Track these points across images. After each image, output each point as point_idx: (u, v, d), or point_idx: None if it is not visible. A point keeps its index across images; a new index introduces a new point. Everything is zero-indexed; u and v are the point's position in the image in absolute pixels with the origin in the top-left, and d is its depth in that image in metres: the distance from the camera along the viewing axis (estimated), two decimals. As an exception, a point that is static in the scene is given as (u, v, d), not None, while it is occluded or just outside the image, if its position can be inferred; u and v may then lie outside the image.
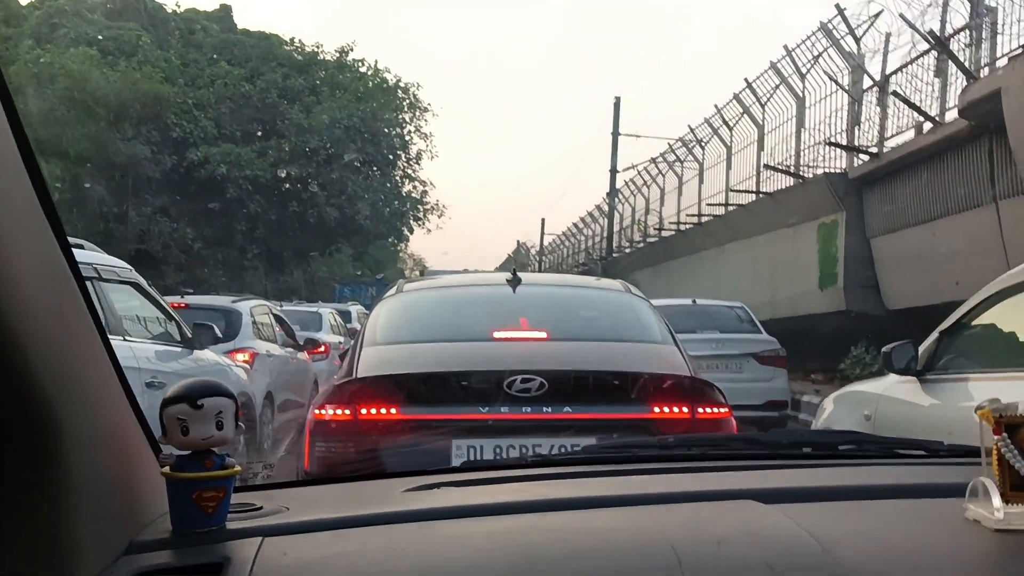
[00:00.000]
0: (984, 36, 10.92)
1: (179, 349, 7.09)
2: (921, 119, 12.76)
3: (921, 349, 4.42)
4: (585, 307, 5.08)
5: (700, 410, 3.72)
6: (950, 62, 11.75)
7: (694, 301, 11.26)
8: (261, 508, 1.40)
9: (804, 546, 1.18)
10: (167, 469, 1.27)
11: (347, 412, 3.64)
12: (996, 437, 1.22)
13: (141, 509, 1.30)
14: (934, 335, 4.47)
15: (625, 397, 3.75)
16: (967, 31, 11.27)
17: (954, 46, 11.55)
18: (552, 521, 1.34)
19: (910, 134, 13.07)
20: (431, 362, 4.04)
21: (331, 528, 1.32)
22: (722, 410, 3.78)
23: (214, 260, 35.18)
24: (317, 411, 3.71)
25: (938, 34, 11.34)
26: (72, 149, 27.03)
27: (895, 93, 12.63)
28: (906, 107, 13.01)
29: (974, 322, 4.29)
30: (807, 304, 16.11)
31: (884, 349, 4.54)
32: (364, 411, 3.62)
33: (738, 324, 11.31)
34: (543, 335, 4.32)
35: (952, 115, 11.96)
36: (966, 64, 10.92)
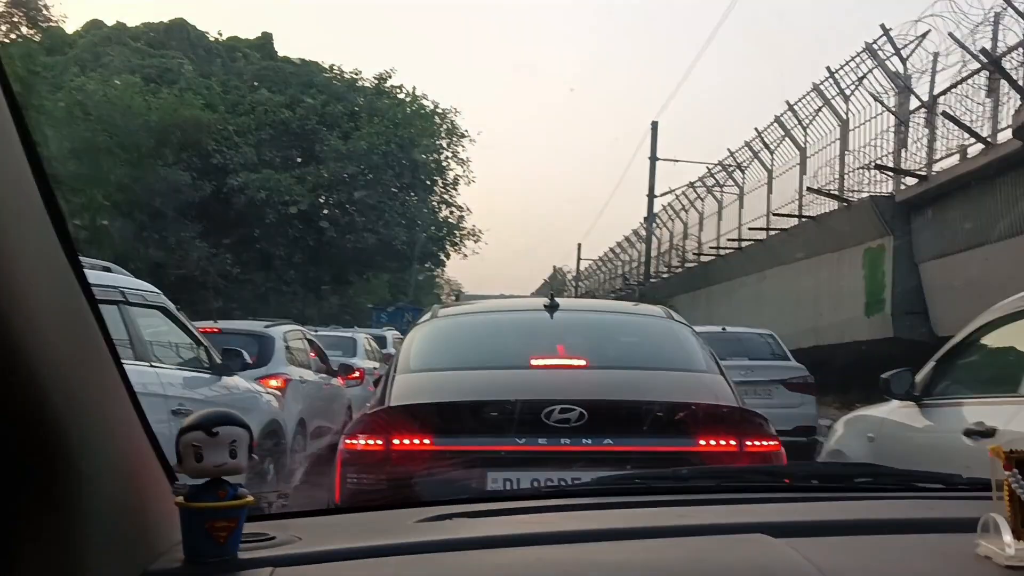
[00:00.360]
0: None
1: (208, 375, 6.92)
2: (971, 141, 12.35)
3: (920, 375, 4.71)
4: (625, 333, 4.95)
5: (748, 443, 3.57)
6: (1003, 81, 11.37)
7: (724, 328, 11.26)
8: (274, 538, 1.40)
9: None
10: (181, 498, 1.28)
11: (379, 442, 3.53)
12: (1007, 473, 1.21)
13: (154, 538, 1.31)
14: (931, 362, 4.76)
15: (669, 429, 3.61)
16: (1020, 49, 10.88)
17: (1007, 65, 11.16)
18: (561, 554, 1.35)
19: (955, 159, 12.66)
20: (466, 390, 3.92)
21: (341, 559, 1.33)
22: (771, 443, 3.62)
23: (253, 285, 35.27)
24: (348, 441, 3.60)
25: (991, 52, 10.96)
26: (113, 176, 27.30)
27: (945, 113, 12.25)
28: (955, 129, 12.62)
29: (967, 350, 4.62)
30: (853, 331, 15.67)
31: (883, 376, 4.81)
32: (397, 441, 3.51)
33: (767, 352, 11.53)
34: (582, 363, 4.18)
35: (1005, 136, 11.56)
36: (1020, 83, 10.52)
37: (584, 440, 3.46)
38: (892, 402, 4.94)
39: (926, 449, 4.47)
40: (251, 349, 8.75)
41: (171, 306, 6.93)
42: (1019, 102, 10.74)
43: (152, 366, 5.95)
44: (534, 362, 4.15)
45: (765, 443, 3.61)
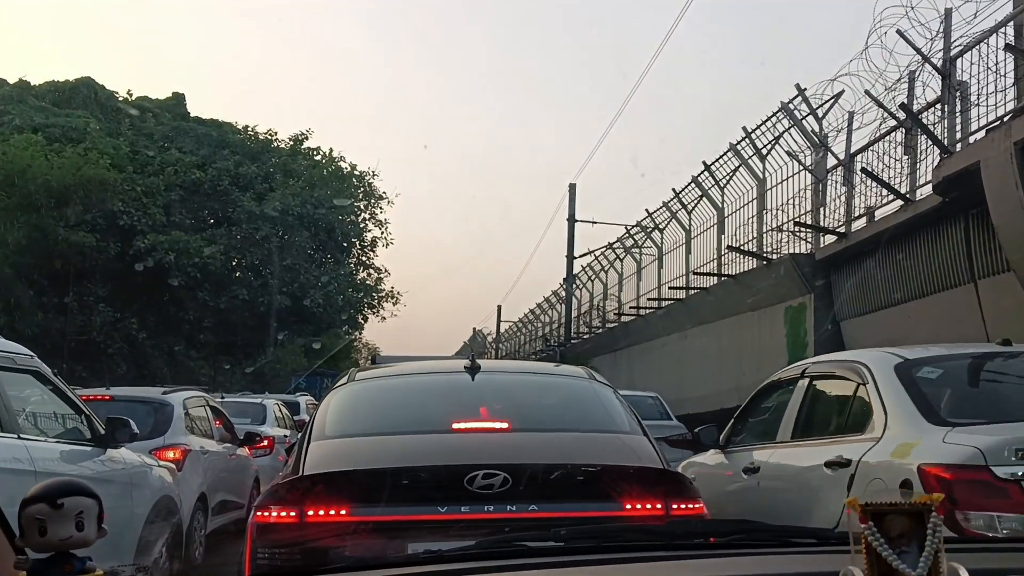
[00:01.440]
0: (957, 110, 10.62)
1: (89, 448, 6.22)
2: (889, 198, 12.41)
3: (724, 430, 6.21)
4: (548, 395, 4.89)
5: (674, 506, 3.53)
6: (920, 138, 11.47)
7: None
8: None
9: None
10: (23, 574, 1.22)
11: (292, 514, 3.37)
12: (863, 526, 1.24)
13: None
14: (732, 419, 6.25)
15: (595, 493, 3.52)
16: (939, 105, 10.98)
17: (925, 120, 11.25)
18: None
19: (879, 212, 12.70)
20: (385, 457, 3.79)
21: None
22: (696, 505, 3.60)
23: (160, 351, 33.95)
24: (259, 512, 3.43)
25: (909, 107, 11.03)
26: (11, 237, 26.05)
27: (864, 170, 12.30)
28: (873, 186, 12.69)
29: (751, 409, 6.13)
30: (776, 390, 15.53)
31: (696, 430, 6.39)
32: (311, 512, 3.35)
33: (655, 412, 12.51)
34: (505, 425, 4.11)
35: (923, 192, 11.62)
36: (940, 138, 10.58)
37: (508, 507, 3.35)
38: (710, 451, 6.31)
39: (721, 482, 5.92)
40: (147, 418, 8.17)
41: (46, 370, 6.23)
42: (937, 158, 10.78)
43: (20, 438, 5.32)
44: (456, 426, 4.03)
45: (690, 506, 3.57)
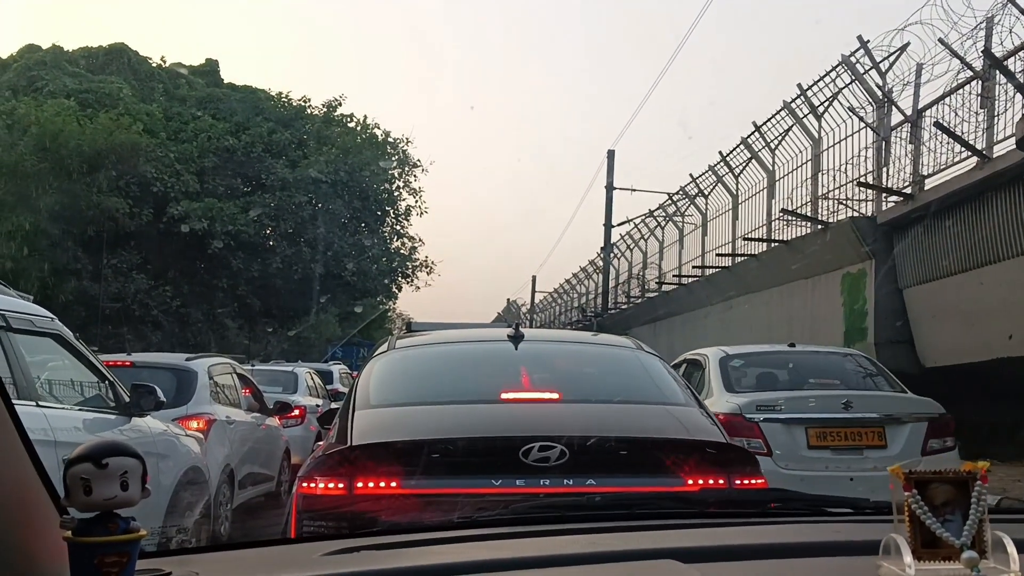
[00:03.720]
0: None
1: (112, 416, 5.87)
2: (961, 156, 11.55)
3: None
4: (596, 365, 4.76)
5: (737, 481, 3.41)
6: (1000, 89, 10.59)
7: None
8: (170, 574, 1.36)
9: None
10: (69, 533, 1.23)
11: (340, 485, 3.25)
12: (907, 494, 1.23)
13: (42, 574, 1.28)
14: None
15: (655, 467, 3.41)
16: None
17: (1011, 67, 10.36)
18: None
19: (951, 172, 11.85)
20: (435, 427, 3.65)
21: None
22: (758, 480, 3.49)
23: (194, 319, 33.74)
24: (305, 484, 3.33)
25: (991, 54, 10.15)
26: (43, 202, 25.81)
27: (937, 124, 11.42)
28: (942, 145, 11.84)
29: None
30: (831, 362, 14.77)
31: None
32: (360, 484, 3.23)
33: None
34: (555, 396, 3.96)
35: (1001, 149, 10.76)
36: (1025, 87, 9.72)
37: (565, 481, 3.24)
38: None
39: None
40: (169, 385, 7.66)
41: (67, 333, 5.87)
42: (1021, 111, 9.92)
43: (39, 406, 4.93)
44: (505, 395, 3.90)
45: (754, 481, 3.46)
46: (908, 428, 7.16)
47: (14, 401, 4.51)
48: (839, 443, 7.07)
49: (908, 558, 1.21)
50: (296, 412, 10.99)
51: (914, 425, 7.18)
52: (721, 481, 3.38)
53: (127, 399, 5.98)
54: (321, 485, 3.31)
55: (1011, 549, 1.22)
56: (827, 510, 1.98)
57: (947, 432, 7.37)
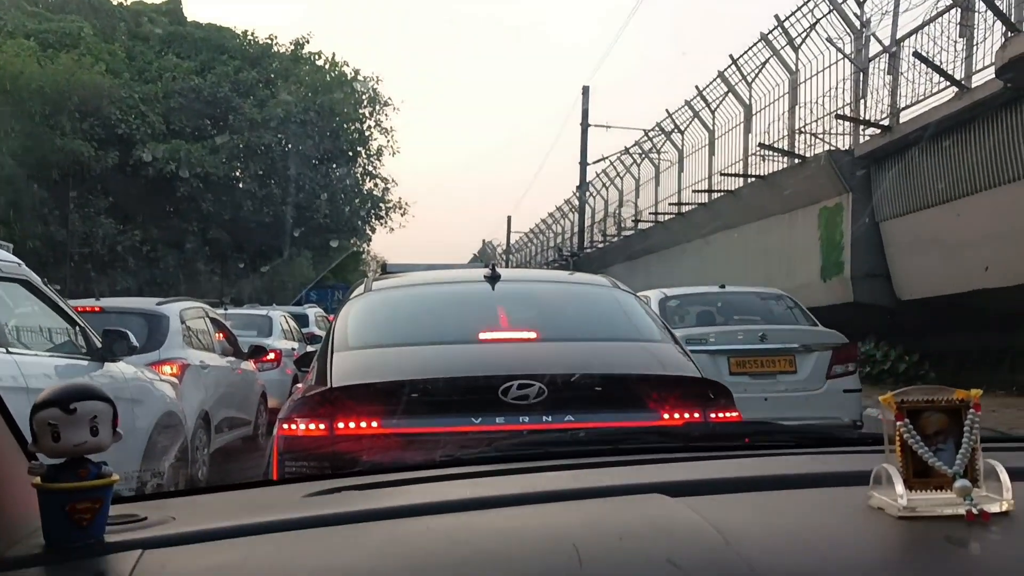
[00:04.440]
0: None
1: (84, 362, 5.75)
2: (939, 86, 11.43)
3: None
4: (572, 304, 4.76)
5: (712, 414, 3.45)
6: (977, 18, 10.44)
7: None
8: (145, 519, 1.34)
9: (707, 539, 1.18)
10: (38, 479, 1.21)
11: (321, 426, 3.29)
12: (898, 423, 1.21)
13: (10, 524, 1.26)
14: None
15: (632, 402, 3.47)
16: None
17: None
18: (453, 523, 1.32)
19: (929, 102, 11.73)
20: (414, 368, 3.68)
21: (218, 538, 1.26)
22: (733, 413, 3.52)
23: (165, 263, 33.32)
24: (286, 425, 3.34)
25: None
26: (5, 146, 25.16)
27: (916, 54, 11.27)
28: (922, 75, 11.72)
29: None
30: (808, 296, 14.68)
31: None
32: (341, 424, 3.27)
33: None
34: (533, 335, 3.99)
35: (980, 79, 10.65)
36: (1008, 14, 9.57)
37: (544, 418, 3.29)
38: None
39: None
40: (141, 330, 7.48)
41: (35, 278, 5.73)
42: (999, 40, 9.78)
43: (8, 352, 4.82)
44: (483, 336, 3.92)
45: (728, 414, 3.50)
46: (815, 356, 8.24)
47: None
48: (755, 369, 8.11)
49: (900, 487, 1.20)
50: (271, 356, 10.85)
51: (820, 353, 8.25)
52: (696, 415, 3.43)
53: (99, 345, 5.85)
54: (302, 427, 3.33)
55: (1004, 477, 1.21)
56: (811, 440, 1.97)
57: (850, 359, 8.49)
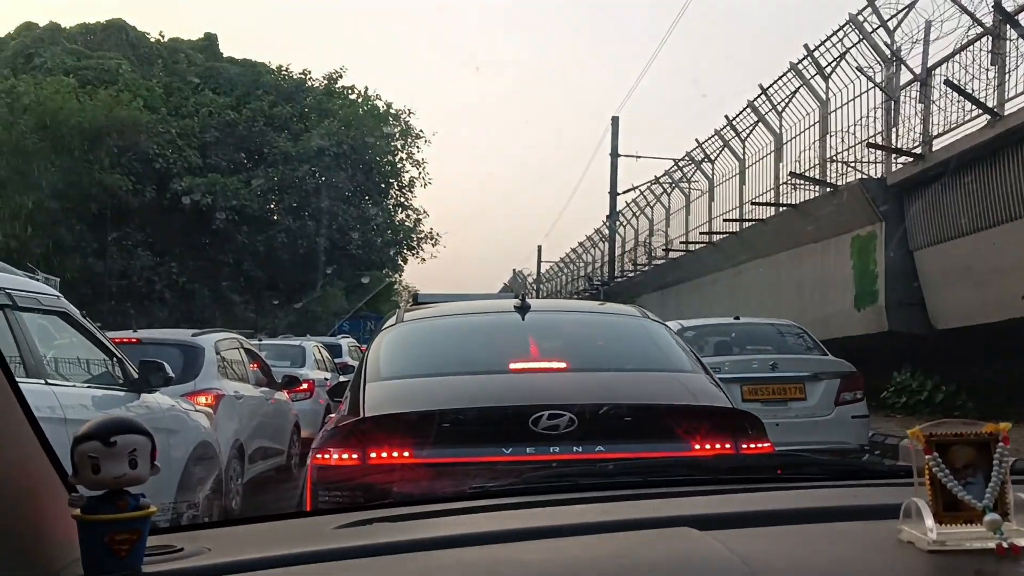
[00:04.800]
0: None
1: (121, 393, 5.83)
2: (972, 114, 11.36)
3: None
4: (602, 334, 4.77)
5: (743, 445, 3.44)
6: (1009, 46, 10.40)
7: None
8: (181, 550, 1.35)
9: (734, 572, 1.17)
10: (78, 511, 1.23)
11: (355, 456, 3.33)
12: (927, 457, 1.21)
13: (50, 554, 1.28)
14: None
15: (663, 433, 3.45)
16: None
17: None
18: (483, 555, 1.33)
19: (961, 130, 11.66)
20: (446, 398, 3.72)
21: (251, 569, 1.28)
22: (765, 445, 3.51)
23: (200, 294, 33.71)
24: (319, 455, 3.40)
25: (1001, 6, 9.95)
26: (45, 180, 25.68)
27: (948, 82, 11.23)
28: (954, 103, 11.66)
29: None
30: (841, 326, 14.65)
31: None
32: (374, 454, 3.30)
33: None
34: (563, 365, 4.01)
35: (1013, 106, 10.59)
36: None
37: (575, 448, 3.30)
38: None
39: None
40: (177, 361, 7.58)
41: (74, 311, 5.84)
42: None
43: (48, 383, 4.90)
44: (513, 366, 3.96)
45: (759, 445, 3.48)
46: (824, 384, 8.72)
47: (24, 379, 4.44)
48: (767, 396, 8.39)
49: (929, 521, 1.19)
50: (305, 386, 10.94)
51: (829, 381, 8.76)
52: (728, 446, 3.43)
53: (135, 376, 5.94)
54: (335, 456, 3.36)
55: None
56: (841, 473, 1.96)
57: (857, 387, 8.94)
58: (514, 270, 59.40)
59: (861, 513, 1.45)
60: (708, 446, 3.43)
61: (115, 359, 5.87)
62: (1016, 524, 1.21)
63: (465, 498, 1.82)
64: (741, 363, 8.78)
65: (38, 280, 5.40)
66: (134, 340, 7.94)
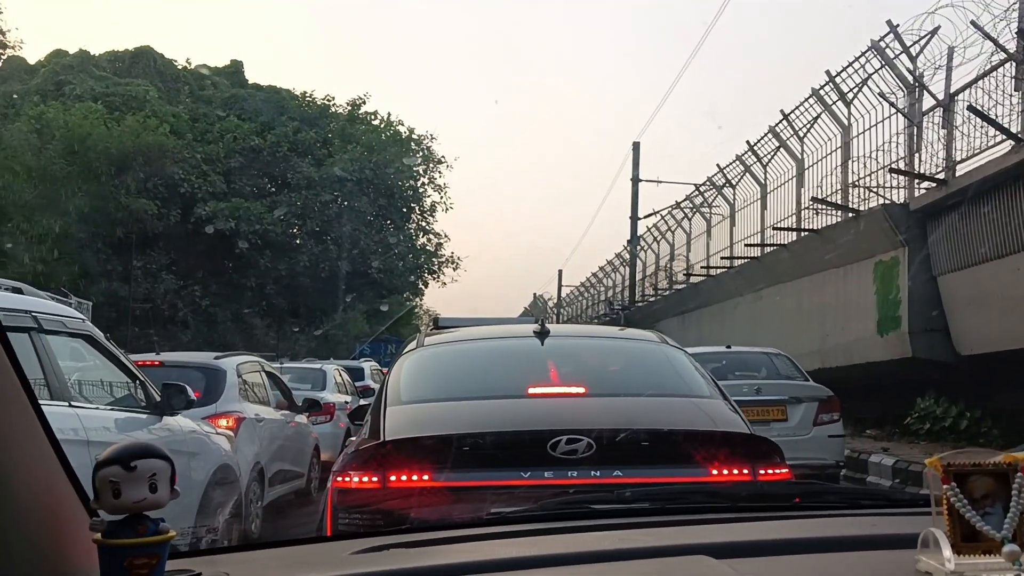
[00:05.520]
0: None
1: (144, 416, 5.87)
2: (996, 140, 11.31)
3: None
4: (620, 359, 4.82)
5: (761, 471, 3.44)
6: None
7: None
8: (199, 574, 1.35)
9: None
10: (98, 535, 1.24)
11: (375, 479, 3.35)
12: (945, 487, 1.21)
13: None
14: None
15: (680, 458, 3.47)
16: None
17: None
18: None
19: (985, 156, 11.60)
20: (465, 422, 3.73)
21: None
22: (782, 470, 3.51)
23: (222, 318, 33.94)
24: (340, 478, 3.41)
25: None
26: (72, 205, 26.06)
27: (971, 107, 11.19)
28: (976, 128, 11.60)
29: None
30: (864, 352, 14.53)
31: None
32: (394, 477, 3.32)
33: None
34: (582, 390, 4.03)
35: (1037, 131, 10.53)
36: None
37: (593, 472, 3.32)
38: None
39: None
40: (198, 384, 7.61)
41: (98, 334, 5.90)
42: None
43: (72, 406, 4.93)
44: (532, 390, 3.99)
45: (777, 471, 3.49)
46: (804, 406, 9.73)
47: (48, 402, 4.49)
48: (752, 418, 9.58)
49: (947, 552, 1.18)
50: (325, 409, 10.97)
51: (808, 404, 9.77)
52: (746, 471, 3.45)
53: (158, 398, 5.97)
54: (356, 479, 3.38)
55: None
56: (861, 503, 1.96)
57: (834, 409, 9.89)
58: (535, 294, 59.45)
59: (879, 542, 1.44)
60: (726, 471, 3.44)
61: (138, 382, 5.91)
62: (1035, 555, 1.19)
63: (482, 524, 1.81)
64: (730, 388, 9.37)
65: (71, 304, 5.48)
66: (157, 363, 7.99)
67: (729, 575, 1.28)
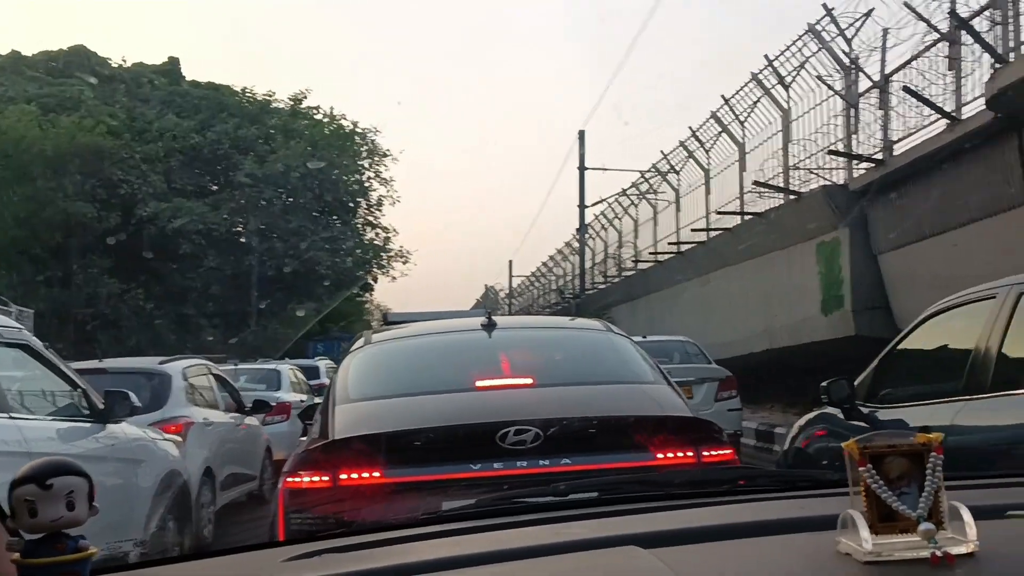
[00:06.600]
0: (1011, 14, 9.71)
1: (88, 424, 5.76)
2: (930, 119, 11.54)
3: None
4: (567, 349, 4.86)
5: (705, 453, 3.53)
6: (967, 50, 10.57)
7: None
8: None
9: None
10: (17, 555, 1.22)
11: (325, 478, 3.37)
12: (861, 468, 1.23)
13: None
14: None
15: (626, 444, 3.53)
16: (991, 10, 10.06)
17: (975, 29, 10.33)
18: None
19: (920, 135, 11.84)
20: (413, 417, 3.76)
21: None
22: (726, 452, 3.61)
23: (168, 320, 33.40)
24: (290, 479, 3.44)
25: (956, 13, 10.11)
26: (8, 211, 25.41)
27: (906, 88, 11.41)
28: (912, 108, 11.83)
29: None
30: (810, 331, 14.78)
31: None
32: (344, 476, 3.35)
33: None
34: (529, 381, 4.09)
35: (970, 110, 10.75)
36: (993, 46, 9.69)
37: (541, 461, 3.38)
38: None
39: None
40: (144, 390, 7.48)
41: (36, 343, 5.77)
42: (988, 72, 9.91)
43: (12, 417, 4.85)
44: (480, 383, 4.02)
45: (721, 452, 3.58)
46: (707, 385, 11.28)
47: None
48: None
49: (864, 532, 1.21)
50: (274, 409, 10.86)
51: (710, 383, 11.34)
52: (690, 454, 3.50)
53: (101, 406, 5.88)
54: (306, 480, 3.40)
55: (967, 518, 1.21)
56: (793, 485, 1.98)
57: (732, 387, 11.54)
58: (486, 285, 59.48)
59: (804, 525, 1.46)
60: (671, 455, 3.50)
61: (79, 390, 5.80)
62: (950, 532, 1.22)
63: (418, 524, 1.81)
64: None
65: (11, 314, 5.35)
66: (101, 370, 7.84)
67: (654, 565, 1.29)
